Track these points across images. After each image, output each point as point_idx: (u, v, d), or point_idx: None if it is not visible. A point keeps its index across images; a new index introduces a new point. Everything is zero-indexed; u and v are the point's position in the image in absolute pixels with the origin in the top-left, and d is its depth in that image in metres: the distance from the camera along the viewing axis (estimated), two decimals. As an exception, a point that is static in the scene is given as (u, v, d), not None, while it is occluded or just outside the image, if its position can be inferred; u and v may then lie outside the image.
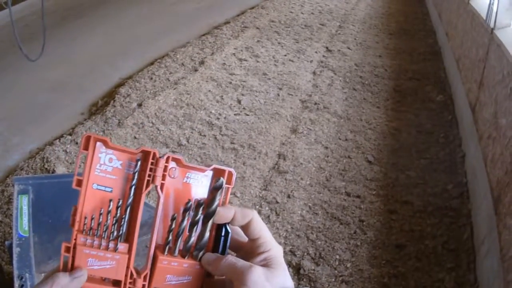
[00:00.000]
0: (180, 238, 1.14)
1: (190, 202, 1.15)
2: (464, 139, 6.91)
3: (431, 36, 12.28)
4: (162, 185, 1.14)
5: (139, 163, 1.13)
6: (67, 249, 1.07)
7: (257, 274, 1.03)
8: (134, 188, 1.13)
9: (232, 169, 1.19)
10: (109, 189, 1.14)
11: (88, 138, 1.11)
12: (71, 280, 1.04)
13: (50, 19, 7.05)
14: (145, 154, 1.14)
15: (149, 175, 1.13)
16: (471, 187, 5.92)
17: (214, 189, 1.16)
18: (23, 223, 3.28)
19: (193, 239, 1.14)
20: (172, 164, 1.16)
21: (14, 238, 3.20)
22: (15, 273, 3.01)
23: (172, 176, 1.16)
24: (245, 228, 1.13)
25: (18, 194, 3.45)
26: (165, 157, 1.14)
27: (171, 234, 1.13)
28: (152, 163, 1.13)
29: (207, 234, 1.14)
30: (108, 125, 7.02)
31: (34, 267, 3.09)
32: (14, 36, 6.31)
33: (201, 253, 1.14)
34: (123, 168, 1.14)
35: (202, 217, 1.15)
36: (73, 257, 1.08)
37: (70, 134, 6.79)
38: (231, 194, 5.62)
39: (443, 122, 7.68)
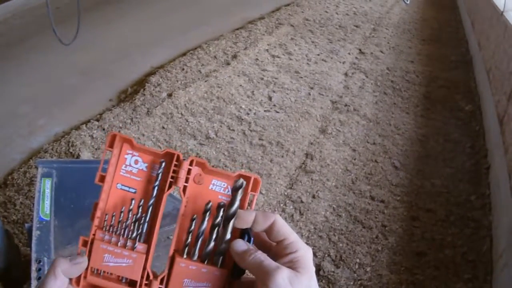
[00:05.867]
0: (199, 241, 1.14)
1: (210, 203, 1.16)
2: (490, 150, 6.89)
3: (463, 44, 12.20)
4: (184, 188, 1.17)
5: (163, 164, 1.16)
6: (85, 243, 1.11)
7: (281, 277, 1.01)
8: (157, 189, 1.16)
9: (258, 176, 1.20)
10: (133, 190, 1.17)
11: (114, 136, 1.16)
12: (71, 266, 1.06)
13: (84, 2, 7.04)
14: (170, 156, 1.17)
15: (172, 177, 1.16)
16: (493, 199, 5.90)
17: (234, 190, 1.16)
18: (44, 207, 3.30)
19: (213, 243, 1.14)
20: (197, 171, 1.18)
21: (35, 221, 3.22)
22: (33, 256, 3.03)
23: (198, 182, 1.19)
24: (269, 232, 1.12)
25: (42, 177, 3.47)
26: (189, 160, 1.17)
27: (190, 236, 1.15)
28: (175, 165, 1.16)
29: (228, 237, 1.13)
30: (136, 113, 7.05)
31: (53, 252, 3.11)
32: (49, 18, 6.34)
33: (221, 259, 1.13)
34: (148, 170, 1.18)
35: (222, 219, 1.15)
36: (90, 251, 1.10)
37: (98, 120, 6.83)
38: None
39: (470, 132, 7.67)
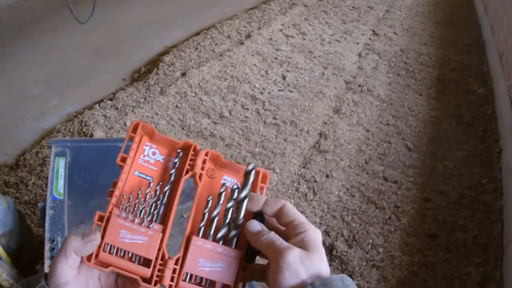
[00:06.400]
0: (214, 222, 1.18)
1: (224, 187, 1.22)
2: (502, 134, 6.90)
3: (476, 28, 12.13)
4: (200, 175, 1.22)
5: (180, 154, 1.23)
6: (101, 218, 1.12)
7: (292, 255, 1.04)
8: (174, 175, 1.21)
9: (266, 171, 1.28)
10: (150, 178, 1.22)
11: (136, 125, 1.21)
12: (83, 244, 1.06)
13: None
14: (187, 146, 1.23)
15: (189, 165, 1.21)
16: (505, 183, 5.93)
17: (246, 174, 1.22)
18: (58, 186, 3.30)
19: (227, 224, 1.18)
20: (210, 166, 1.25)
21: (48, 200, 3.21)
22: (47, 235, 3.03)
23: (211, 176, 1.25)
24: (278, 215, 1.16)
25: (55, 156, 3.47)
26: (205, 150, 1.23)
27: (205, 216, 1.19)
28: (192, 155, 1.22)
29: (241, 219, 1.17)
30: (150, 93, 7.07)
31: (66, 231, 3.11)
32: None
33: (235, 240, 1.17)
34: (165, 162, 1.24)
35: (235, 202, 1.20)
36: (105, 228, 1.11)
37: (111, 99, 6.85)
38: (270, 170, 5.71)
39: (483, 115, 7.68)
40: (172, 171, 1.21)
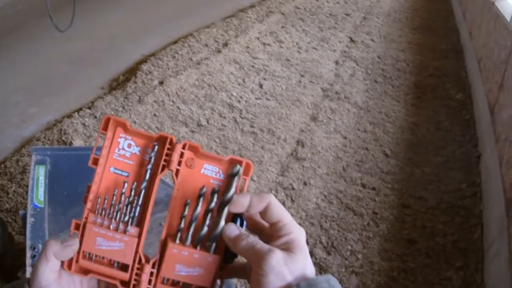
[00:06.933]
0: (192, 226, 1.13)
1: (204, 189, 1.15)
2: (480, 139, 6.93)
3: (454, 34, 12.24)
4: (177, 171, 1.16)
5: (156, 148, 1.15)
6: (77, 226, 1.10)
7: (275, 258, 1.01)
8: (150, 173, 1.15)
9: (250, 161, 1.20)
10: (126, 174, 1.16)
11: (107, 120, 1.14)
12: (62, 248, 1.04)
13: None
14: (163, 139, 1.16)
15: (165, 160, 1.15)
16: (484, 187, 5.93)
17: (231, 176, 1.15)
18: (38, 194, 3.28)
19: (207, 228, 1.13)
20: (189, 155, 1.18)
21: (29, 208, 3.20)
22: (28, 243, 3.01)
23: (190, 165, 1.18)
24: (263, 213, 1.11)
25: (35, 164, 3.46)
26: (182, 143, 1.16)
27: (183, 221, 1.14)
28: (168, 149, 1.15)
29: (222, 223, 1.12)
30: (128, 101, 7.04)
31: (47, 238, 3.05)
32: (41, 8, 6.33)
33: (214, 245, 1.13)
34: (141, 154, 1.17)
35: (216, 205, 1.14)
36: (82, 235, 1.09)
37: (89, 108, 6.82)
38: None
39: (461, 121, 7.70)
40: (149, 166, 1.15)
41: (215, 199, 1.14)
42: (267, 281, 1.01)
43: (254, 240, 1.08)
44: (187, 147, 1.17)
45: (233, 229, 1.11)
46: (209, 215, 1.13)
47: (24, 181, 5.25)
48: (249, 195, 1.11)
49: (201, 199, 1.15)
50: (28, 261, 2.92)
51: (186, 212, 1.14)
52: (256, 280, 1.03)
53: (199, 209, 1.14)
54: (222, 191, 1.14)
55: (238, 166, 1.15)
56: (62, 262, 1.07)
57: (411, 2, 15.22)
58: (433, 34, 12.06)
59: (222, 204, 1.12)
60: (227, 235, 1.11)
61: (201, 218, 1.14)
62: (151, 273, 1.12)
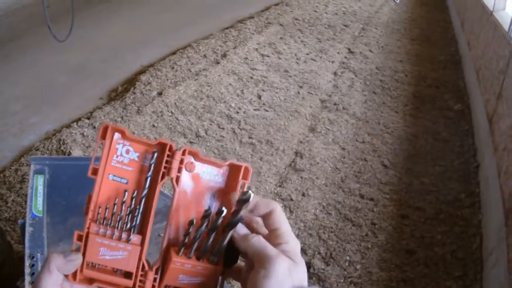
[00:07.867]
0: (196, 242, 1.13)
1: (210, 210, 1.15)
2: (479, 149, 6.92)
3: (452, 44, 12.24)
4: (177, 178, 1.16)
5: (155, 155, 1.15)
6: (79, 238, 1.09)
7: (283, 265, 1.02)
8: (150, 180, 1.15)
9: (248, 165, 1.20)
10: (125, 181, 1.16)
11: (106, 128, 1.13)
12: (65, 263, 1.04)
13: (76, 1, 7.07)
14: (162, 146, 1.15)
15: (165, 167, 1.14)
16: (483, 197, 5.92)
17: (240, 202, 1.13)
18: (37, 203, 3.28)
19: (210, 243, 1.13)
20: (189, 159, 1.18)
21: (28, 217, 3.20)
22: (27, 252, 3.01)
23: (189, 170, 1.18)
24: (266, 218, 1.13)
25: (34, 173, 3.46)
26: (181, 150, 1.16)
27: (187, 237, 1.14)
28: (168, 156, 1.15)
29: (226, 242, 1.12)
30: (127, 112, 7.06)
31: (46, 248, 3.08)
32: (40, 17, 6.35)
33: (216, 259, 1.13)
34: (140, 160, 1.16)
35: (220, 224, 1.13)
36: (85, 245, 1.09)
37: (88, 118, 6.84)
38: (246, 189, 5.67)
39: (459, 131, 7.69)
40: (148, 174, 1.15)
41: (220, 219, 1.13)
42: (269, 284, 1.01)
43: (264, 241, 1.09)
44: (186, 153, 1.17)
45: (241, 229, 1.14)
46: (214, 233, 1.13)
47: (23, 191, 5.27)
48: (257, 197, 1.13)
49: (207, 219, 1.14)
50: (27, 270, 2.92)
51: (191, 230, 1.14)
52: (256, 279, 1.03)
53: (203, 227, 1.14)
54: (230, 215, 1.13)
55: (249, 193, 1.12)
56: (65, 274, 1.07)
57: (410, 13, 15.24)
58: (432, 45, 12.06)
59: (229, 226, 1.12)
60: (238, 232, 1.12)
61: (205, 235, 1.14)
62: (154, 279, 1.12)
